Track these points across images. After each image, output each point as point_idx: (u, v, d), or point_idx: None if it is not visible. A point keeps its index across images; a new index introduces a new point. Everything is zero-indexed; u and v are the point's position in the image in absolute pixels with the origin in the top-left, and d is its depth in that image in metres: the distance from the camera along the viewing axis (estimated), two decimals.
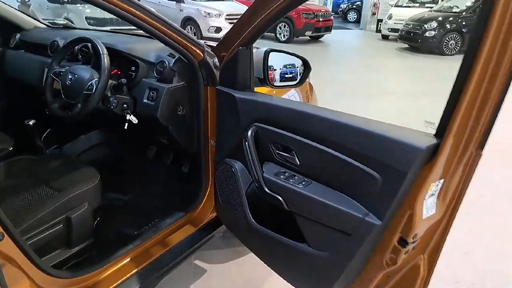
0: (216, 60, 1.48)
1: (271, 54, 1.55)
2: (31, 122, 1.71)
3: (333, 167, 1.03)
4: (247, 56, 1.40)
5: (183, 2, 8.75)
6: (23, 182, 1.44)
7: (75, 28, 2.27)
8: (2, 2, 2.05)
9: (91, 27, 2.02)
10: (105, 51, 1.50)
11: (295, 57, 1.64)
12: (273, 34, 10.40)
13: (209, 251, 2.05)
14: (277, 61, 1.70)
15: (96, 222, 1.52)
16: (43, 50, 1.99)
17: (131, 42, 1.80)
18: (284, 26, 10.14)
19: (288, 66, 1.82)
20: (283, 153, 1.23)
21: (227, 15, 8.38)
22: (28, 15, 2.20)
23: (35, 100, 1.97)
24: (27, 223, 1.25)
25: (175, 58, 1.56)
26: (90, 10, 6.54)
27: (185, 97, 1.59)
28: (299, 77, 1.79)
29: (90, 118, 1.52)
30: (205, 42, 1.55)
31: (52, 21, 2.26)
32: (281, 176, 1.21)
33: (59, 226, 1.34)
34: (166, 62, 1.55)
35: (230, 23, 8.38)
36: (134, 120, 1.59)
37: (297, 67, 1.82)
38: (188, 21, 8.51)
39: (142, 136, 1.91)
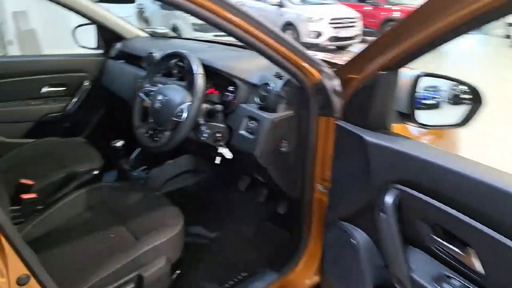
0: (337, 83, 1.09)
1: (422, 79, 1.08)
2: (118, 144, 1.53)
3: None
4: (390, 83, 0.97)
5: (284, 6, 8.51)
6: (99, 218, 1.25)
7: (175, 38, 2.08)
8: (107, 10, 1.95)
9: (191, 37, 1.88)
10: (200, 70, 1.21)
11: (458, 83, 1.15)
12: None
13: None
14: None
15: (173, 277, 1.25)
16: (139, 61, 1.83)
17: (231, 57, 1.51)
18: None
19: (430, 89, 1.32)
20: (448, 245, 0.77)
21: (330, 19, 7.88)
22: (129, 23, 2.08)
23: (127, 116, 1.82)
24: (92, 282, 1.01)
25: (284, 80, 1.21)
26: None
27: (292, 130, 1.24)
28: (447, 105, 1.28)
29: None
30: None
31: (153, 30, 2.11)
32: (445, 286, 0.75)
33: (128, 287, 1.08)
34: (272, 85, 1.21)
35: (334, 27, 7.86)
36: (228, 155, 1.28)
37: (443, 90, 1.31)
38: (288, 26, 8.24)
39: (235, 166, 1.61)
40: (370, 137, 0.96)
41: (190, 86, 1.39)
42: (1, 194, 1.07)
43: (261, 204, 1.72)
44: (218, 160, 1.31)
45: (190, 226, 1.31)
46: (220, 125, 1.28)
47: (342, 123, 1.06)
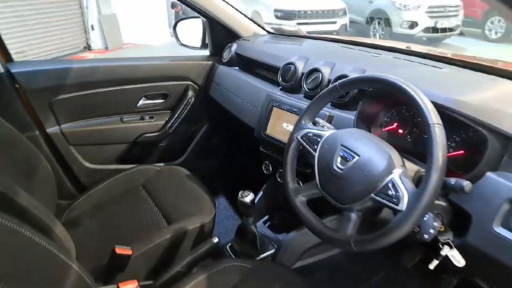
0: None
1: None
2: (248, 199, 1.06)
3: None
4: None
5: None
6: None
7: (305, 37, 1.54)
8: (226, 1, 1.47)
9: (327, 36, 1.42)
10: (438, 118, 0.67)
11: None
12: (479, 30, 8.21)
13: None
14: None
15: None
16: (268, 73, 1.33)
17: (445, 82, 0.93)
18: (499, 21, 7.85)
19: None
20: None
21: (428, 7, 6.84)
22: (249, 18, 1.58)
23: (248, 147, 1.34)
24: None
25: None
26: (279, 1, 6.05)
27: None
28: None
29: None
30: None
31: (279, 27, 1.59)
32: None
33: None
34: None
35: (431, 17, 6.84)
36: (459, 261, 0.73)
37: None
38: (377, 14, 7.32)
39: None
40: None
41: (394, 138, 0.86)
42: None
43: None
44: (433, 265, 0.77)
45: None
46: (442, 204, 0.73)
47: None
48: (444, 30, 7.00)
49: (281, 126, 1.12)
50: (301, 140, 0.86)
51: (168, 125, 1.56)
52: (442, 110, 0.76)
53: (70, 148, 1.42)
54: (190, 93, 1.57)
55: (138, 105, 1.51)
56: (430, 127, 0.65)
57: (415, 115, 0.92)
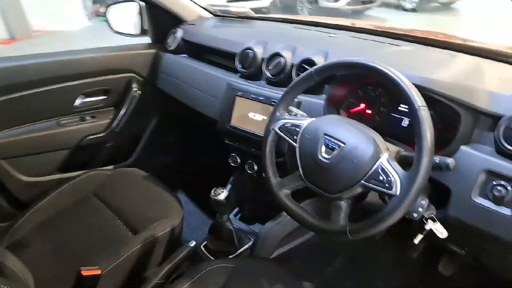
0: None
1: None
2: (222, 196, 1.00)
3: None
4: None
5: None
6: None
7: (259, 19, 1.47)
8: None
9: (280, 17, 1.35)
10: (422, 102, 0.66)
11: None
12: (396, 1, 8.75)
13: None
14: None
15: None
16: (223, 60, 1.25)
17: (418, 60, 0.94)
18: None
19: None
20: None
21: None
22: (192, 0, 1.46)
23: (211, 141, 1.26)
24: None
25: None
26: None
27: None
28: None
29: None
30: None
31: (224, 8, 1.50)
32: None
33: None
34: None
35: None
36: (442, 233, 0.77)
37: None
38: None
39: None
40: None
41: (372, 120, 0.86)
42: None
43: (414, 261, 1.22)
44: (417, 239, 0.80)
45: None
46: None
47: None
48: (365, 2, 7.35)
49: (247, 116, 1.06)
50: (279, 132, 0.82)
51: (114, 124, 1.42)
52: (421, 91, 0.76)
53: (0, 162, 1.22)
54: (135, 86, 1.43)
55: (75, 104, 1.34)
56: (417, 110, 0.65)
57: (382, 95, 0.93)
